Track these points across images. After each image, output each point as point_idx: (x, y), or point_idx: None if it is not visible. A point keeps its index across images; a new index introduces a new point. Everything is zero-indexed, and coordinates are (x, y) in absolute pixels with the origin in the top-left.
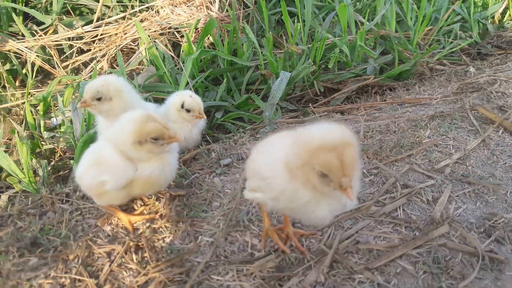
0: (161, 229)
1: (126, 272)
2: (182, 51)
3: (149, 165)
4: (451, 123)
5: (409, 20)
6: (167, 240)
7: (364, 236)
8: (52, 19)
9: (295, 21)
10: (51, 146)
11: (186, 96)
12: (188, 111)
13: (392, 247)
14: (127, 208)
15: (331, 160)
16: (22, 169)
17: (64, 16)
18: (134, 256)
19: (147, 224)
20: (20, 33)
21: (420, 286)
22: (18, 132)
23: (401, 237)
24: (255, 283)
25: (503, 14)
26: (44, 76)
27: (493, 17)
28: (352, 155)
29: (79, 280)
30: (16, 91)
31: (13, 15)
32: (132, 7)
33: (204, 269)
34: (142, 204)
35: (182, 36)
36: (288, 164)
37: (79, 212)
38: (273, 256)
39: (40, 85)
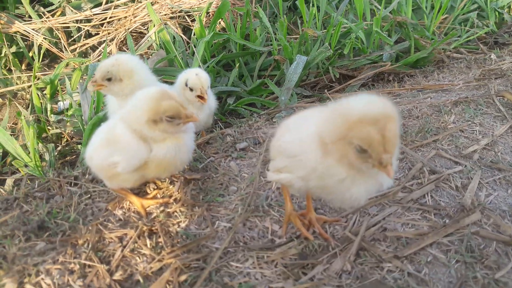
0: (175, 213)
1: (139, 257)
2: (194, 34)
3: (164, 146)
4: (476, 109)
5: (424, 7)
6: (183, 225)
7: (391, 223)
8: (60, 0)
9: (309, 7)
10: (58, 130)
11: (192, 73)
12: (191, 90)
13: (422, 234)
14: (140, 191)
15: (372, 134)
16: (29, 153)
17: None
18: (147, 241)
19: (161, 208)
20: (27, 15)
21: (452, 275)
22: (24, 115)
23: (430, 225)
24: (277, 270)
25: None
26: (50, 60)
27: (509, 7)
28: (394, 129)
29: (89, 266)
30: (22, 74)
31: None
32: None
33: (222, 256)
34: (155, 187)
35: (193, 20)
36: (322, 139)
37: (89, 195)
38: (295, 243)
39: (46, 69)
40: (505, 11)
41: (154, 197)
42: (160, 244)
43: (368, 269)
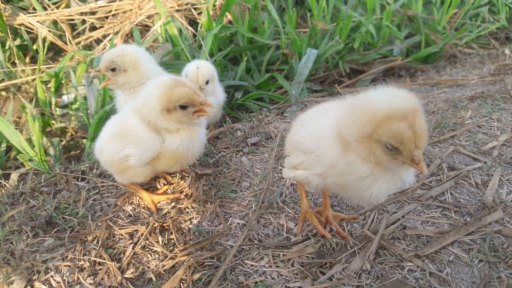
0: (187, 209)
1: (151, 255)
2: (201, 27)
3: (177, 138)
4: (493, 104)
5: (434, 2)
6: (195, 221)
7: (411, 221)
8: None
9: (318, 1)
10: (63, 124)
11: (193, 66)
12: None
13: (443, 233)
14: (150, 187)
15: (403, 130)
16: (33, 147)
17: None
18: (159, 238)
19: (172, 204)
20: (31, 7)
21: (476, 275)
22: (28, 109)
23: (450, 223)
24: (293, 269)
25: None
26: (55, 53)
27: None
28: (423, 124)
29: (100, 263)
30: (26, 67)
31: None
32: None
33: (236, 254)
34: (166, 183)
35: (199, 13)
36: (343, 136)
37: (97, 190)
38: (312, 241)
39: (51, 62)
40: None
41: (165, 193)
42: (172, 241)
43: (388, 269)
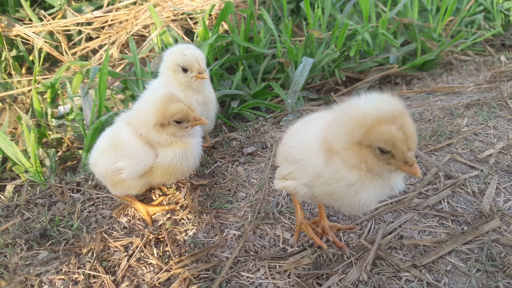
0: (183, 221)
1: (146, 267)
2: (197, 36)
3: (170, 151)
4: (489, 112)
5: (429, 9)
6: (190, 233)
7: (408, 230)
8: (60, 2)
9: (313, 9)
10: (59, 135)
11: (179, 52)
12: (185, 70)
13: (440, 242)
14: (145, 198)
15: (394, 133)
16: (29, 158)
17: (73, 1)
18: (154, 250)
19: (168, 216)
20: (27, 18)
21: (473, 285)
22: (24, 120)
23: (448, 232)
24: (290, 281)
25: None
26: (51, 63)
27: None
28: (412, 124)
29: (94, 276)
30: (22, 78)
31: None
32: None
33: (232, 265)
34: (161, 194)
35: (195, 23)
36: (330, 145)
37: (92, 202)
38: (309, 252)
39: (47, 73)
40: (511, 12)
41: (160, 204)
42: (168, 253)
43: (385, 279)
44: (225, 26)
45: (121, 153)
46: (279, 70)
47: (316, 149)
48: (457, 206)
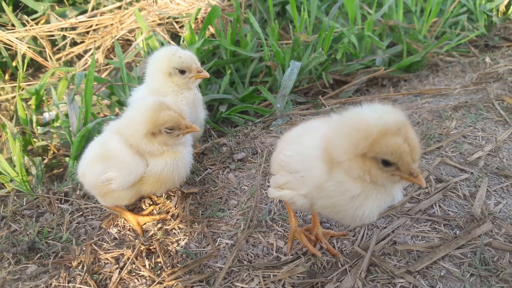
0: (174, 230)
1: (138, 280)
2: (183, 41)
3: (161, 160)
4: (477, 114)
5: (413, 11)
6: (182, 243)
7: (401, 235)
8: (44, 7)
9: (299, 13)
10: (44, 142)
11: (171, 55)
12: (182, 72)
13: (433, 247)
14: (135, 207)
15: (400, 144)
16: (14, 166)
17: (56, 6)
18: (146, 262)
19: (159, 225)
20: (9, 23)
21: None
22: (9, 128)
23: (440, 236)
24: None
25: (507, 6)
26: (35, 69)
27: (497, 9)
28: (415, 136)
29: None
30: (6, 84)
31: (3, 3)
32: None
33: (226, 276)
34: (151, 203)
35: (181, 27)
36: (331, 156)
37: (81, 213)
38: (303, 260)
39: (31, 79)
40: (494, 13)
41: (150, 213)
42: (160, 264)
43: (380, 286)
44: (211, 30)
45: (111, 163)
46: (266, 74)
47: (317, 160)
48: (448, 210)
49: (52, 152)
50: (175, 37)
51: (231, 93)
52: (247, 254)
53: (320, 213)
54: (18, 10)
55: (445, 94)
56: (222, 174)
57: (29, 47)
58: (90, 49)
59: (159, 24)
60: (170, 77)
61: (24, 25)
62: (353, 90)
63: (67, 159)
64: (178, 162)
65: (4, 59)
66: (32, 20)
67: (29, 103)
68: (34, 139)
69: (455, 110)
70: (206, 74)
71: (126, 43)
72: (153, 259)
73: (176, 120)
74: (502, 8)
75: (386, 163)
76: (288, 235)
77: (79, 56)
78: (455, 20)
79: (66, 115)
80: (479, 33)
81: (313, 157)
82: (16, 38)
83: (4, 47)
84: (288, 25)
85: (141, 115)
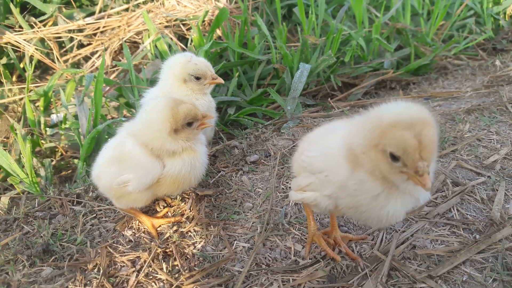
0: (190, 233)
1: (155, 283)
2: (191, 43)
3: (179, 160)
4: (490, 117)
5: (420, 14)
6: (198, 245)
7: (420, 239)
8: (52, 9)
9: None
10: (52, 144)
11: (186, 62)
12: (197, 78)
13: (453, 251)
14: (149, 210)
15: (406, 138)
16: (23, 166)
17: (64, 8)
18: (163, 265)
19: (174, 228)
20: (17, 25)
21: None
22: (18, 130)
23: (460, 240)
24: None
25: None
26: (42, 71)
27: (504, 13)
28: (432, 135)
29: None
30: (14, 86)
31: (11, 5)
32: None
33: (245, 280)
34: (166, 205)
35: (188, 29)
36: (352, 150)
37: (94, 215)
38: (322, 264)
39: (38, 80)
40: (501, 17)
41: (165, 216)
42: (177, 267)
43: None
44: (218, 32)
45: (126, 166)
46: (273, 76)
47: (340, 158)
48: (467, 214)
49: (60, 153)
50: (182, 39)
51: (239, 95)
52: (265, 258)
53: (345, 215)
54: (25, 12)
55: (456, 97)
56: (236, 177)
57: (36, 49)
58: (97, 51)
59: (166, 26)
60: (184, 83)
61: (31, 26)
62: (362, 93)
63: (75, 160)
64: (195, 162)
65: (12, 61)
66: (40, 22)
67: (37, 104)
68: (42, 141)
69: (468, 113)
70: (221, 80)
71: (133, 45)
72: (170, 262)
73: (193, 111)
74: (509, 11)
75: (394, 157)
76: (305, 238)
77: (86, 58)
78: (462, 23)
79: (75, 117)
80: (487, 36)
81: (337, 156)
82: (24, 39)
83: (12, 49)
84: (293, 28)
85: (160, 115)
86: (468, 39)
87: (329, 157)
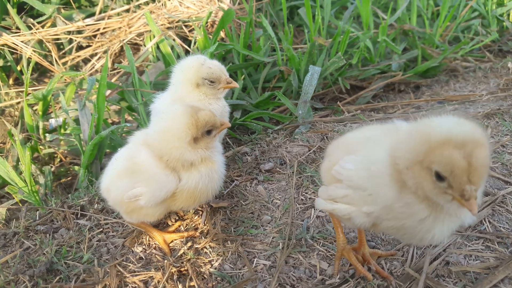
0: (205, 249)
1: None
2: (194, 44)
3: (196, 173)
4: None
5: (425, 16)
6: (215, 264)
7: (453, 255)
8: (51, 10)
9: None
10: (51, 150)
11: (199, 66)
12: (212, 82)
13: (490, 268)
14: (159, 223)
15: (455, 158)
16: (20, 173)
17: (62, 9)
18: (179, 286)
19: (188, 244)
20: (14, 27)
21: None
22: (16, 136)
23: (496, 256)
24: None
25: None
26: (39, 74)
27: (508, 14)
28: (484, 157)
29: None
30: (10, 89)
31: (8, 6)
32: None
33: None
34: (178, 218)
35: (190, 31)
36: (396, 165)
37: (100, 229)
38: (352, 284)
39: (36, 83)
40: (505, 18)
41: (177, 230)
42: None
43: None
44: (221, 34)
45: (139, 178)
46: (279, 79)
47: (387, 178)
48: (500, 226)
49: (59, 159)
50: (184, 41)
51: (244, 98)
52: (289, 277)
53: (384, 232)
54: (23, 13)
55: (472, 101)
56: (251, 186)
57: (34, 51)
58: (97, 53)
59: (168, 28)
60: (197, 87)
61: (29, 28)
62: (371, 96)
63: (76, 167)
64: (213, 174)
65: (9, 63)
66: (38, 23)
67: (35, 108)
68: (41, 146)
69: (487, 117)
70: (236, 84)
71: (133, 47)
72: (186, 283)
73: (213, 118)
74: None
75: (439, 177)
76: (331, 255)
77: (86, 60)
78: (467, 25)
79: (75, 122)
80: (493, 38)
81: (382, 174)
82: (21, 41)
83: (9, 51)
84: (296, 30)
85: (179, 122)
86: (475, 41)
87: (374, 175)
